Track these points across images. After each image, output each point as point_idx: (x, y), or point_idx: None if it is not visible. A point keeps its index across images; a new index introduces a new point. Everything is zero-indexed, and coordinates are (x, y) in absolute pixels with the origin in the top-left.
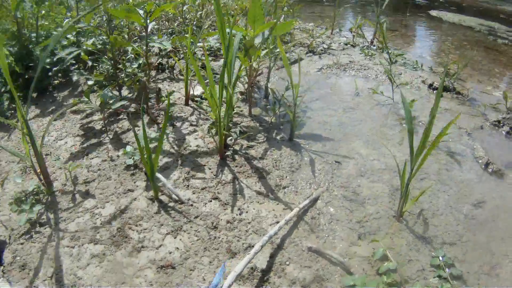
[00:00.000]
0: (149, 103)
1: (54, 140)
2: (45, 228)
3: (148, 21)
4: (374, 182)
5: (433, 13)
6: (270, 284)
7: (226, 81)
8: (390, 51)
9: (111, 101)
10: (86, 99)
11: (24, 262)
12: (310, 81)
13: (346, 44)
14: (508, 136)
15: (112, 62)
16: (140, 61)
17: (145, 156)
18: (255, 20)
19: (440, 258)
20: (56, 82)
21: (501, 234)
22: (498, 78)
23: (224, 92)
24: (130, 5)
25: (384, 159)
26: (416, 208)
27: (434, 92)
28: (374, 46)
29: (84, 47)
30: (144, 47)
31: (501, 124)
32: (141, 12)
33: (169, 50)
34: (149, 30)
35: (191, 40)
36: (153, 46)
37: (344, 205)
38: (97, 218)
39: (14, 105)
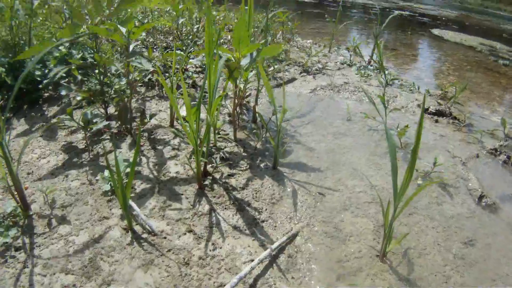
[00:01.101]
0: (133, 124)
1: (37, 158)
2: (20, 253)
3: (130, 40)
4: (358, 216)
5: (435, 31)
6: None
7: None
8: (386, 72)
9: (94, 120)
10: (69, 117)
11: None
12: (302, 103)
13: (342, 64)
14: (505, 165)
15: (100, 78)
16: (131, 77)
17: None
18: (240, 42)
19: None
20: (46, 95)
21: (491, 275)
22: (497, 101)
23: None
24: (113, 24)
25: (371, 191)
26: (402, 247)
27: (430, 116)
28: (371, 66)
29: (71, 63)
30: (128, 65)
31: (498, 152)
32: (123, 30)
33: (151, 70)
34: (138, 44)
35: (180, 56)
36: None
37: (324, 242)
38: (71, 246)
39: None
